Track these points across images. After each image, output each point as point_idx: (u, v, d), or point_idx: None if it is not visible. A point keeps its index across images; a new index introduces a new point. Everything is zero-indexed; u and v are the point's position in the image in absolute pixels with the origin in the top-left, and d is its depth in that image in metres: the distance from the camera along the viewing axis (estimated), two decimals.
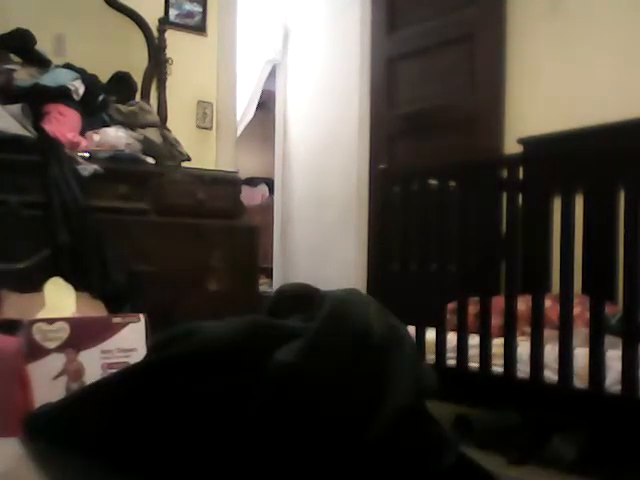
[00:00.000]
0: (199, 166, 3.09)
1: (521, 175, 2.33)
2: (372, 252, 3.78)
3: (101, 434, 0.90)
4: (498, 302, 2.27)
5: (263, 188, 6.20)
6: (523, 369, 2.15)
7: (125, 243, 2.46)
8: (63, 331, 1.37)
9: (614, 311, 2.18)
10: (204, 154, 3.45)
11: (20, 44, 2.80)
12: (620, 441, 2.01)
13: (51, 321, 1.38)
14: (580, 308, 2.15)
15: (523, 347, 2.17)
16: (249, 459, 0.87)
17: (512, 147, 3.21)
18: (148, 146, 2.84)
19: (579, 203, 2.07)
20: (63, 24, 3.04)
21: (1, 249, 2.20)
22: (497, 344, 2.24)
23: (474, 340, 2.30)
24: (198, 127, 3.49)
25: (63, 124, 2.57)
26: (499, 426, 2.42)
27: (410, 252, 2.57)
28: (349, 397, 0.89)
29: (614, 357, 1.93)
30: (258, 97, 5.05)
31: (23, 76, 2.69)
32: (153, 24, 3.29)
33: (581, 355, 2.01)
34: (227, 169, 3.29)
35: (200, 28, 3.49)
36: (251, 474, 0.87)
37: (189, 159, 3.01)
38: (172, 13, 3.39)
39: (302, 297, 1.09)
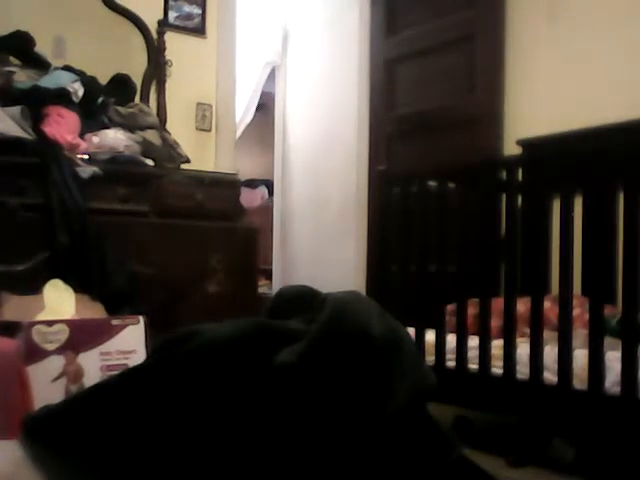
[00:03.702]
0: (198, 168, 3.08)
1: (520, 176, 2.33)
2: (371, 253, 3.79)
3: (102, 436, 0.90)
4: (498, 303, 2.27)
5: (262, 190, 6.20)
6: (523, 370, 2.15)
7: (125, 245, 2.45)
8: (62, 333, 1.37)
9: (613, 312, 2.18)
10: (203, 156, 3.45)
11: (19, 46, 2.80)
12: (619, 442, 2.01)
13: (50, 323, 1.38)
14: (579, 309, 2.15)
15: (523, 348, 2.17)
16: (251, 459, 0.87)
17: (511, 148, 3.21)
18: (147, 148, 2.84)
19: (578, 204, 2.07)
20: (62, 26, 3.04)
21: (1, 251, 2.20)
22: (497, 345, 2.24)
23: (474, 341, 2.30)
24: (197, 129, 3.49)
25: (62, 126, 2.56)
26: (498, 427, 2.42)
27: (409, 253, 2.57)
28: (350, 398, 0.89)
29: (613, 358, 1.93)
30: (257, 99, 5.05)
31: (22, 78, 2.69)
32: (152, 26, 3.29)
33: (580, 356, 2.01)
34: (226, 171, 3.29)
35: (199, 30, 3.49)
36: (253, 473, 0.87)
37: (188, 161, 3.01)
38: (171, 15, 3.40)
39: (302, 299, 1.09)
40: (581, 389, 1.99)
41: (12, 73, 2.68)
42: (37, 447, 0.93)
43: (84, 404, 0.94)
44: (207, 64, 3.53)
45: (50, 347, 1.35)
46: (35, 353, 1.33)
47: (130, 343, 1.47)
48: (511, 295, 2.23)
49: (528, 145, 3.11)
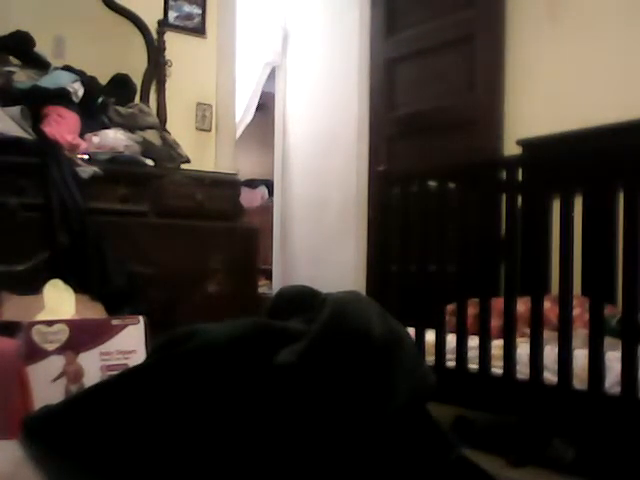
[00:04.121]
0: (198, 168, 3.09)
1: (520, 176, 2.33)
2: (371, 253, 3.79)
3: (101, 436, 0.90)
4: (497, 303, 2.27)
5: (262, 190, 6.20)
6: (523, 370, 2.15)
7: (124, 245, 2.46)
8: (62, 333, 1.37)
9: (613, 312, 2.18)
10: (203, 156, 3.45)
11: (19, 46, 2.80)
12: (619, 442, 2.01)
13: (50, 323, 1.38)
14: (579, 309, 2.15)
15: (523, 348, 2.17)
16: (252, 459, 0.87)
17: (511, 148, 3.21)
18: (147, 148, 2.84)
19: (578, 204, 2.07)
20: (62, 26, 3.04)
21: (1, 251, 2.20)
22: (497, 345, 2.24)
23: (474, 341, 2.30)
24: (197, 129, 3.49)
25: (62, 126, 2.56)
26: (498, 427, 2.42)
27: (409, 253, 2.57)
28: (350, 398, 0.89)
29: (613, 358, 1.93)
30: (257, 99, 5.05)
31: (22, 78, 2.69)
32: (152, 26, 3.29)
33: (580, 356, 2.01)
34: (226, 171, 3.29)
35: (199, 30, 3.49)
36: (254, 473, 0.87)
37: (188, 161, 3.01)
38: (171, 15, 3.40)
39: (302, 299, 1.09)
40: (581, 389, 1.99)
41: (12, 73, 2.68)
42: (37, 447, 0.93)
43: (84, 404, 0.94)
44: (207, 64, 3.53)
45: (50, 347, 1.35)
46: (35, 353, 1.33)
47: (130, 343, 1.47)
48: (511, 295, 2.23)
49: (528, 145, 3.11)
